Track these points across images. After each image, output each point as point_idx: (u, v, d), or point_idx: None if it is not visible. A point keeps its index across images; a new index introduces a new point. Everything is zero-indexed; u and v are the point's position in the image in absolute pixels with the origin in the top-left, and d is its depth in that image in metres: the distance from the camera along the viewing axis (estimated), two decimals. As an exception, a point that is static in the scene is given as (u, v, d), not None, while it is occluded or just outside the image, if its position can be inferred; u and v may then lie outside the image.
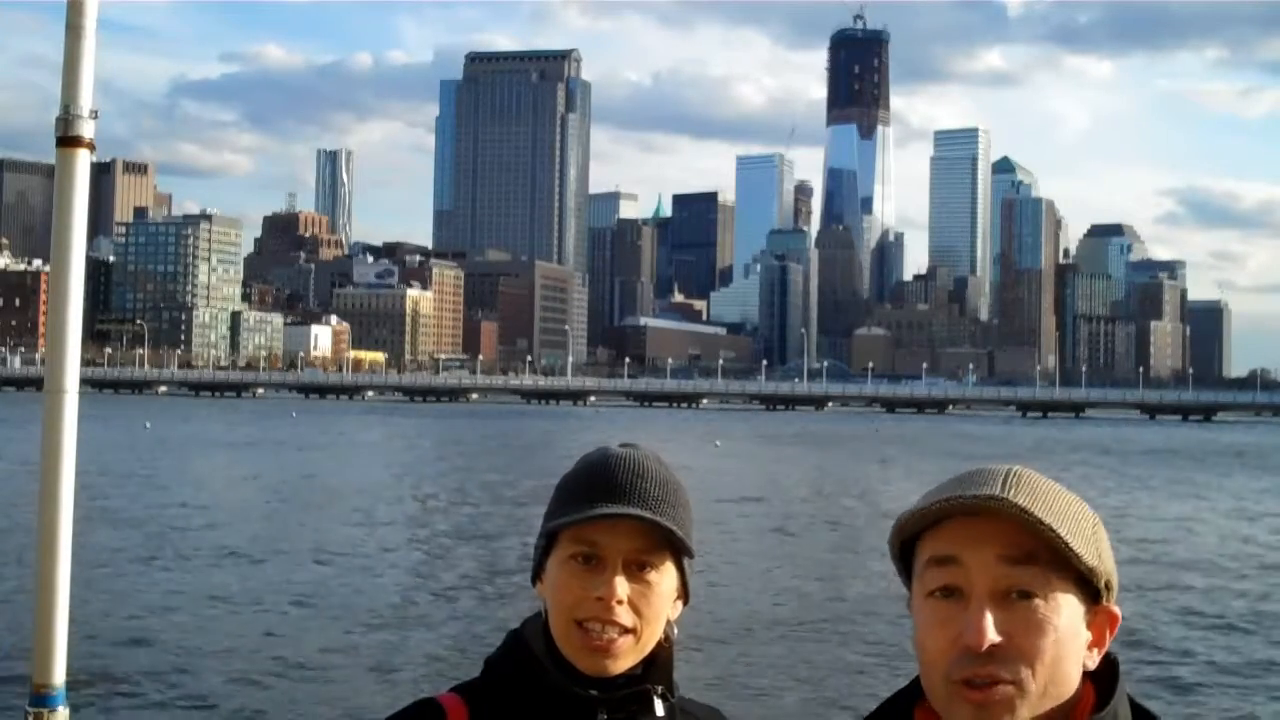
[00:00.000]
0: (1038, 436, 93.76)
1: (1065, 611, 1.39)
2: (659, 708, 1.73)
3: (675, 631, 1.80)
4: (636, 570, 1.70)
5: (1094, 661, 1.44)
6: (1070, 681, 1.40)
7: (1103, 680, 1.46)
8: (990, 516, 1.38)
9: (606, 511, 1.67)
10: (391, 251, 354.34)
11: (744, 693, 13.04)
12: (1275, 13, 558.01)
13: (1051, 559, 1.38)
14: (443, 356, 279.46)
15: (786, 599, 19.61)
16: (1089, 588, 1.41)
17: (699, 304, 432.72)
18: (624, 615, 1.68)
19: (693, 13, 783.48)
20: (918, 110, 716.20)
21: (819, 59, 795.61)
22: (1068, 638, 1.39)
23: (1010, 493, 1.38)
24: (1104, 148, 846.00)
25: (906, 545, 1.46)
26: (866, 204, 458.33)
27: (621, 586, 1.68)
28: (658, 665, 1.76)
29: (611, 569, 1.68)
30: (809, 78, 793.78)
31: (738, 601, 18.65)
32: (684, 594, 1.79)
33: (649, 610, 1.70)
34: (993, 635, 1.35)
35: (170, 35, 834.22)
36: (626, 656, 1.70)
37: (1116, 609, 1.46)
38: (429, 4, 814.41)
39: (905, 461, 58.06)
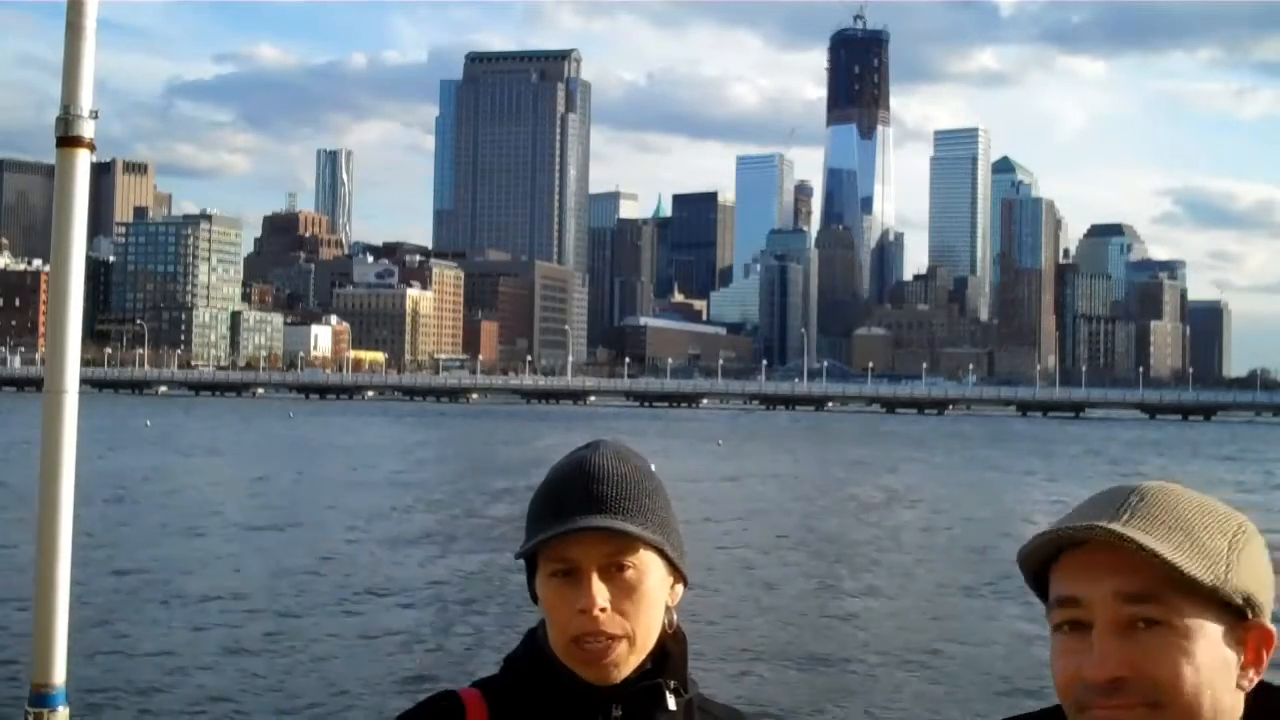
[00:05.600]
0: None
1: (1202, 636, 1.26)
2: (671, 703, 1.72)
3: (676, 618, 1.77)
4: (616, 572, 1.68)
5: (1249, 683, 1.31)
6: (1225, 712, 1.28)
7: (1267, 707, 1.34)
8: (1102, 547, 1.29)
9: (560, 531, 1.65)
10: (391, 251, 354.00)
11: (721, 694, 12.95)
12: (1269, 13, 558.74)
13: (1175, 583, 1.26)
14: (443, 356, 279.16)
15: (788, 602, 19.52)
16: (1230, 606, 1.28)
17: (699, 304, 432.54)
18: (610, 623, 1.66)
19: (685, 13, 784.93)
20: (913, 110, 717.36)
21: (811, 59, 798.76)
22: (1210, 663, 1.26)
23: (1122, 519, 1.29)
24: (1101, 148, 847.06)
25: (1039, 574, 1.38)
26: (866, 204, 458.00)
27: (600, 594, 1.66)
28: (671, 660, 1.75)
29: (587, 580, 1.66)
30: (803, 78, 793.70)
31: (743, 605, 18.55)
32: (678, 576, 1.77)
33: (636, 610, 1.68)
34: (1114, 668, 1.26)
35: (164, 35, 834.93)
36: (625, 663, 1.69)
37: (1271, 626, 1.31)
38: (423, 4, 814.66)
39: (906, 461, 57.97)
